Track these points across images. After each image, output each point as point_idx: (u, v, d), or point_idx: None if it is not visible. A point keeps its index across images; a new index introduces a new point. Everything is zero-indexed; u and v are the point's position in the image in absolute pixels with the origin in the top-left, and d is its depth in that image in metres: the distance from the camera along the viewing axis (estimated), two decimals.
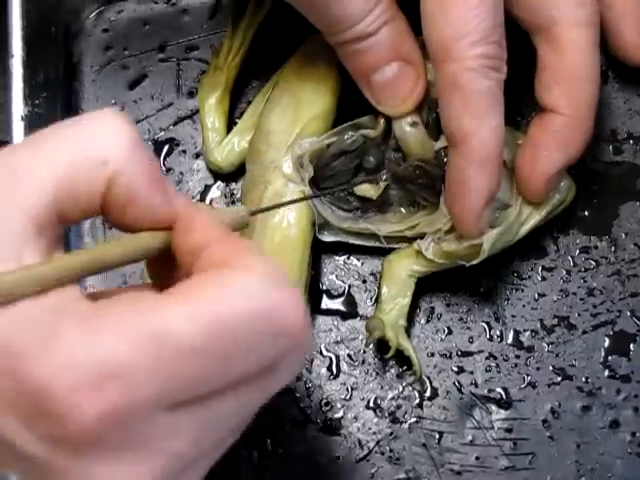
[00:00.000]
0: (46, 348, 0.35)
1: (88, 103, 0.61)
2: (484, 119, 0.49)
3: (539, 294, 0.56)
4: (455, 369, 0.55)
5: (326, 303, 0.57)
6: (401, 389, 0.55)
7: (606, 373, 0.55)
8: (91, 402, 0.35)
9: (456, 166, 0.50)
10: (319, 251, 0.56)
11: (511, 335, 0.56)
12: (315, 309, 0.56)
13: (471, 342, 0.56)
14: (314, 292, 0.56)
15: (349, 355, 0.56)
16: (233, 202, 0.59)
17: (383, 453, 0.54)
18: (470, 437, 0.54)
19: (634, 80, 0.59)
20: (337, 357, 0.56)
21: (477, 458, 0.54)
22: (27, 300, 0.36)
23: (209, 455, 0.39)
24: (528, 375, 0.55)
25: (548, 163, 0.53)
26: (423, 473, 0.54)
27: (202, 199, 0.59)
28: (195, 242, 0.38)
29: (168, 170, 0.59)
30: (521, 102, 0.57)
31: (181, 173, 0.60)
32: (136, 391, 0.35)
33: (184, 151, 0.60)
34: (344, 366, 0.56)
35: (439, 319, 0.56)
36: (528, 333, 0.55)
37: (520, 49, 0.53)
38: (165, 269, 0.41)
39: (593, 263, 0.56)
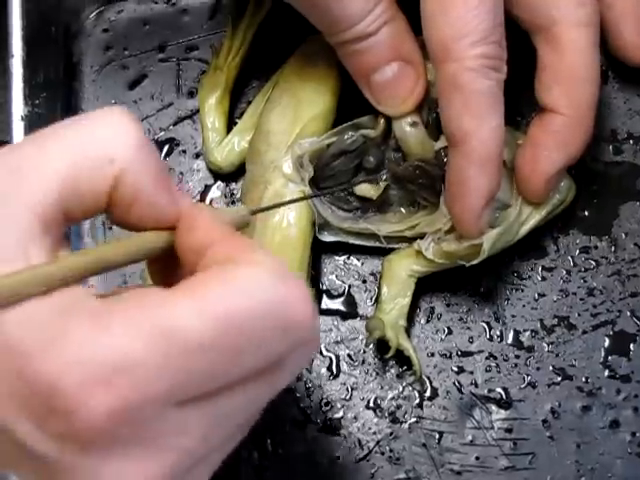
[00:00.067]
0: (54, 345, 0.35)
1: (88, 103, 0.61)
2: (484, 119, 0.49)
3: (539, 294, 0.56)
4: (455, 369, 0.55)
5: (326, 303, 0.57)
6: (401, 389, 0.55)
7: (606, 373, 0.55)
8: (100, 398, 0.34)
9: (456, 166, 0.50)
10: (319, 251, 0.56)
11: (511, 335, 0.56)
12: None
13: (471, 342, 0.56)
14: (314, 292, 0.56)
15: (349, 355, 0.56)
16: (233, 202, 0.59)
17: (383, 453, 0.54)
18: (470, 437, 0.54)
19: (634, 80, 0.59)
20: (337, 357, 0.56)
21: (477, 458, 0.54)
22: (34, 300, 0.35)
23: (217, 452, 0.39)
24: (528, 375, 0.55)
25: (548, 163, 0.53)
26: (423, 473, 0.54)
27: (202, 199, 0.59)
28: (199, 241, 0.38)
29: (168, 170, 0.59)
30: (521, 102, 0.57)
31: (181, 173, 0.60)
32: (147, 387, 0.35)
33: (184, 151, 0.60)
34: (344, 366, 0.56)
35: (439, 319, 0.56)
36: (528, 333, 0.55)
37: (520, 49, 0.53)
38: (166, 269, 0.41)
39: (593, 263, 0.56)
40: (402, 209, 0.56)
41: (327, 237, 0.55)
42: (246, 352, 0.36)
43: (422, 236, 0.54)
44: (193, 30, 0.62)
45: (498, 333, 0.56)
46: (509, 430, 0.54)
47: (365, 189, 0.55)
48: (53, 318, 0.35)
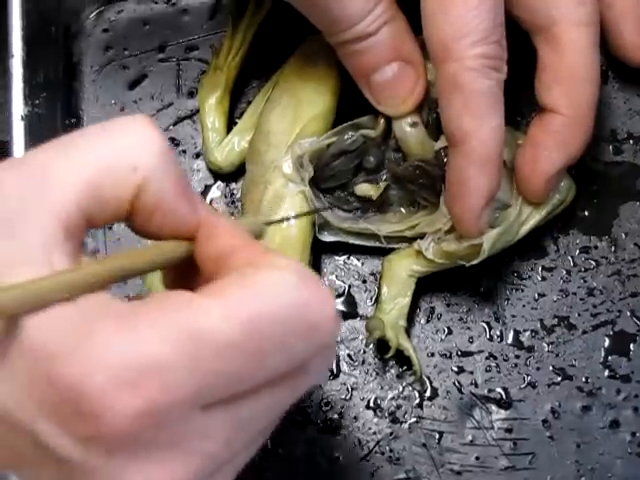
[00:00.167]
0: (78, 348, 0.34)
1: (88, 103, 0.61)
2: (484, 119, 0.49)
3: (539, 294, 0.56)
4: (455, 369, 0.55)
5: None
6: (401, 389, 0.55)
7: (606, 373, 0.55)
8: (126, 401, 0.34)
9: (456, 166, 0.50)
10: (319, 251, 0.56)
11: (511, 335, 0.56)
12: None
13: (471, 342, 0.56)
14: None
15: (349, 355, 0.56)
16: (233, 202, 0.59)
17: (383, 453, 0.54)
18: (470, 437, 0.54)
19: (634, 80, 0.59)
20: (337, 357, 0.56)
21: (477, 458, 0.54)
22: (57, 305, 0.35)
23: (240, 456, 0.39)
24: (528, 375, 0.55)
25: (548, 163, 0.53)
26: (423, 473, 0.54)
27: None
28: (219, 248, 0.38)
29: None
30: (521, 102, 0.57)
31: None
32: (175, 389, 0.35)
33: (184, 151, 0.60)
34: (344, 366, 0.55)
35: (439, 319, 0.56)
36: (528, 333, 0.55)
37: (520, 49, 0.53)
38: (183, 279, 0.40)
39: (593, 263, 0.56)
40: (402, 209, 0.56)
41: (327, 237, 0.55)
42: (272, 355, 0.36)
43: (422, 236, 0.54)
44: (193, 30, 0.62)
45: (498, 333, 0.56)
46: (509, 430, 0.54)
47: (365, 189, 0.55)
48: (77, 321, 0.35)
